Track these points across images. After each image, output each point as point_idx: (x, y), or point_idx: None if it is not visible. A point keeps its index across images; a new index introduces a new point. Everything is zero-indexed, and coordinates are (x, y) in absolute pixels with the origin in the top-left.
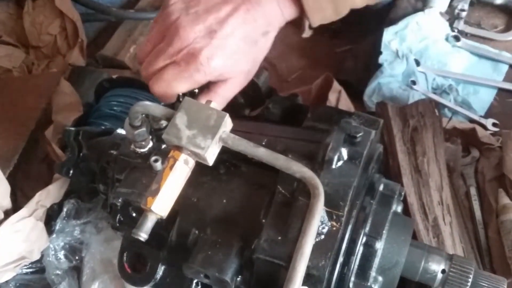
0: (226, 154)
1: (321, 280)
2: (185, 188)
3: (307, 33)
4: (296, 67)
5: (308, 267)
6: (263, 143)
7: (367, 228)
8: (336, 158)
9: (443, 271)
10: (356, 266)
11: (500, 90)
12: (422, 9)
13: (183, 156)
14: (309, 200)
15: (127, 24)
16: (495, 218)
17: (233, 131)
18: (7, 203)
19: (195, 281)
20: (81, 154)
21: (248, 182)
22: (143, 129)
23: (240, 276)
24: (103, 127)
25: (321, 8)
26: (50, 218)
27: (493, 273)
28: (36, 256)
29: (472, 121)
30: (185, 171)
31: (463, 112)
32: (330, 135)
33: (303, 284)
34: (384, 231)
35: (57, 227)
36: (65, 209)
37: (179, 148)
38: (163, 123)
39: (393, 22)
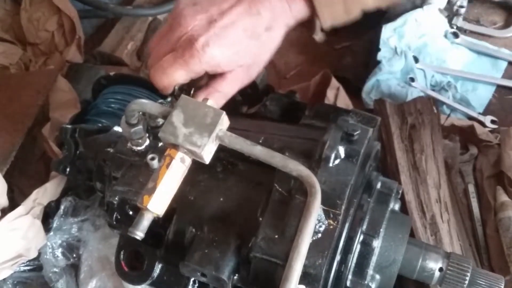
0: (223, 152)
1: (318, 278)
2: (182, 186)
3: (319, 36)
4: (294, 64)
5: (305, 265)
6: (260, 141)
7: (365, 226)
8: (333, 156)
9: (440, 269)
10: (353, 264)
11: (499, 87)
12: (420, 6)
13: (179, 154)
14: (306, 198)
15: (125, 20)
16: (493, 215)
17: (230, 129)
18: (4, 200)
19: (192, 279)
20: (77, 151)
21: (245, 180)
22: (140, 127)
23: (237, 275)
24: (100, 125)
25: (332, 3)
26: (47, 216)
27: (491, 270)
28: (34, 254)
29: (470, 118)
30: (182, 169)
31: (461, 109)
32: (327, 133)
33: (300, 283)
34: (381, 229)
35: (54, 225)
36: (62, 207)
37: (176, 146)
38: (160, 121)
39: (392, 18)
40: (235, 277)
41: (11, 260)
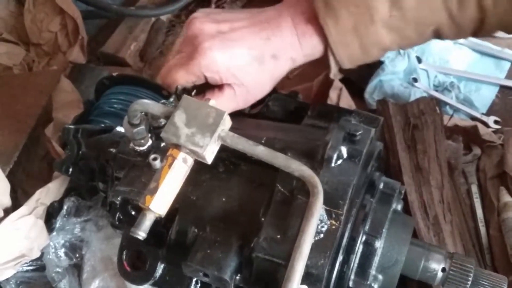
0: (225, 152)
1: (320, 279)
2: (184, 186)
3: (334, 73)
4: None
5: (307, 266)
6: (262, 141)
7: (367, 227)
8: (335, 156)
9: (443, 270)
10: (355, 265)
11: (502, 88)
12: None
13: (181, 155)
14: (308, 198)
15: (128, 21)
16: (497, 216)
17: (232, 129)
18: (7, 201)
19: (194, 279)
20: (80, 152)
21: (247, 180)
22: (142, 127)
23: (239, 275)
24: (102, 125)
25: (346, 43)
26: (50, 216)
27: (494, 271)
28: (36, 254)
29: (473, 118)
30: (184, 170)
31: (464, 110)
32: (329, 133)
33: (302, 283)
34: (384, 230)
35: (57, 225)
36: (65, 207)
37: (178, 147)
38: (162, 121)
39: None
40: (237, 277)
41: (14, 260)
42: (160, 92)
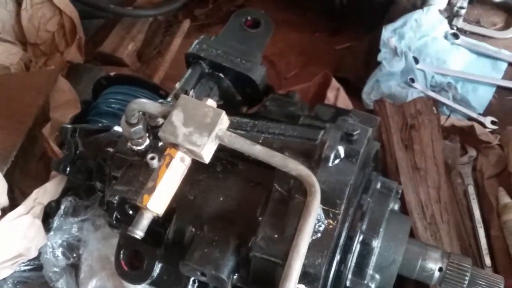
0: (222, 152)
1: (318, 278)
2: (182, 185)
3: None
4: (295, 65)
5: (304, 265)
6: (260, 141)
7: (364, 226)
8: (333, 156)
9: (440, 269)
10: (353, 264)
11: (499, 88)
12: (421, 7)
13: (179, 154)
14: (305, 198)
15: (126, 21)
16: (496, 216)
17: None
18: (4, 200)
19: (192, 278)
20: (78, 151)
21: (244, 180)
22: (140, 126)
23: (236, 274)
24: (100, 125)
25: None
26: (47, 216)
27: (495, 271)
28: (34, 254)
29: (470, 119)
30: (182, 169)
31: (461, 110)
32: (327, 133)
33: (300, 282)
34: (381, 229)
35: (54, 225)
36: (62, 207)
37: (176, 146)
38: (160, 120)
39: (392, 19)
40: (235, 277)
41: (11, 260)
42: (157, 91)
